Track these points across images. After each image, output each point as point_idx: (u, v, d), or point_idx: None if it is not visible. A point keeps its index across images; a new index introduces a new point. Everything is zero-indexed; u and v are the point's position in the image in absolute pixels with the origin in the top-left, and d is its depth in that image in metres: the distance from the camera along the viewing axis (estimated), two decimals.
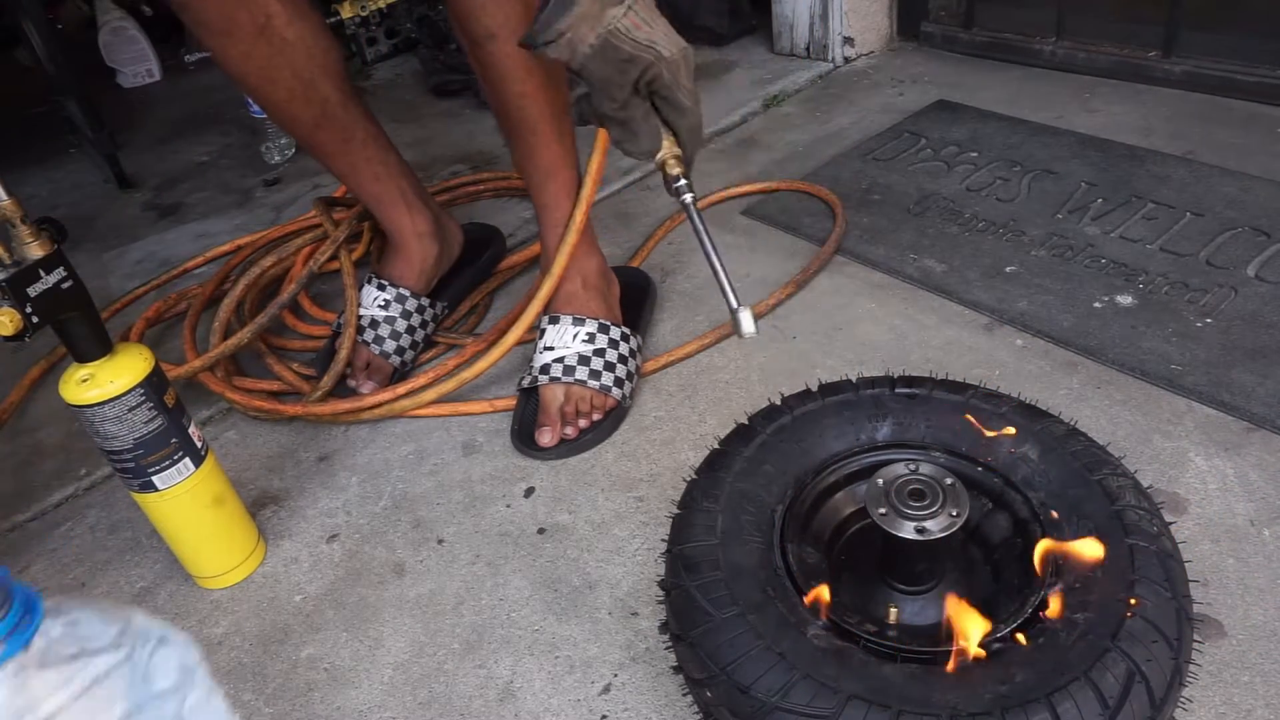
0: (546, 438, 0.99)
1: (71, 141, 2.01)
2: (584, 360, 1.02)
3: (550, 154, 1.01)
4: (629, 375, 1.05)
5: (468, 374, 1.06)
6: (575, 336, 1.03)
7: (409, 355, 1.15)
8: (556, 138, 1.00)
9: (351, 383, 1.11)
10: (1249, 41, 1.46)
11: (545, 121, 0.98)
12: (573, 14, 0.70)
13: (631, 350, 1.06)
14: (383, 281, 1.16)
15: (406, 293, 1.15)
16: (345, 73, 1.06)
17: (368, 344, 1.13)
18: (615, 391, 1.02)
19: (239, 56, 0.98)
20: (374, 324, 1.13)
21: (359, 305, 1.14)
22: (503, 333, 1.08)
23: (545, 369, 1.02)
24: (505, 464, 1.00)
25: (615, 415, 1.02)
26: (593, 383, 1.01)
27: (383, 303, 1.14)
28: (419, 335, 1.16)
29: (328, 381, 1.08)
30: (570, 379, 1.01)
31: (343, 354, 1.10)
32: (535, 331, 1.08)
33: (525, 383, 1.04)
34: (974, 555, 0.74)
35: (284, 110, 1.04)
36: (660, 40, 0.74)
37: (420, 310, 1.16)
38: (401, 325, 1.14)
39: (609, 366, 1.03)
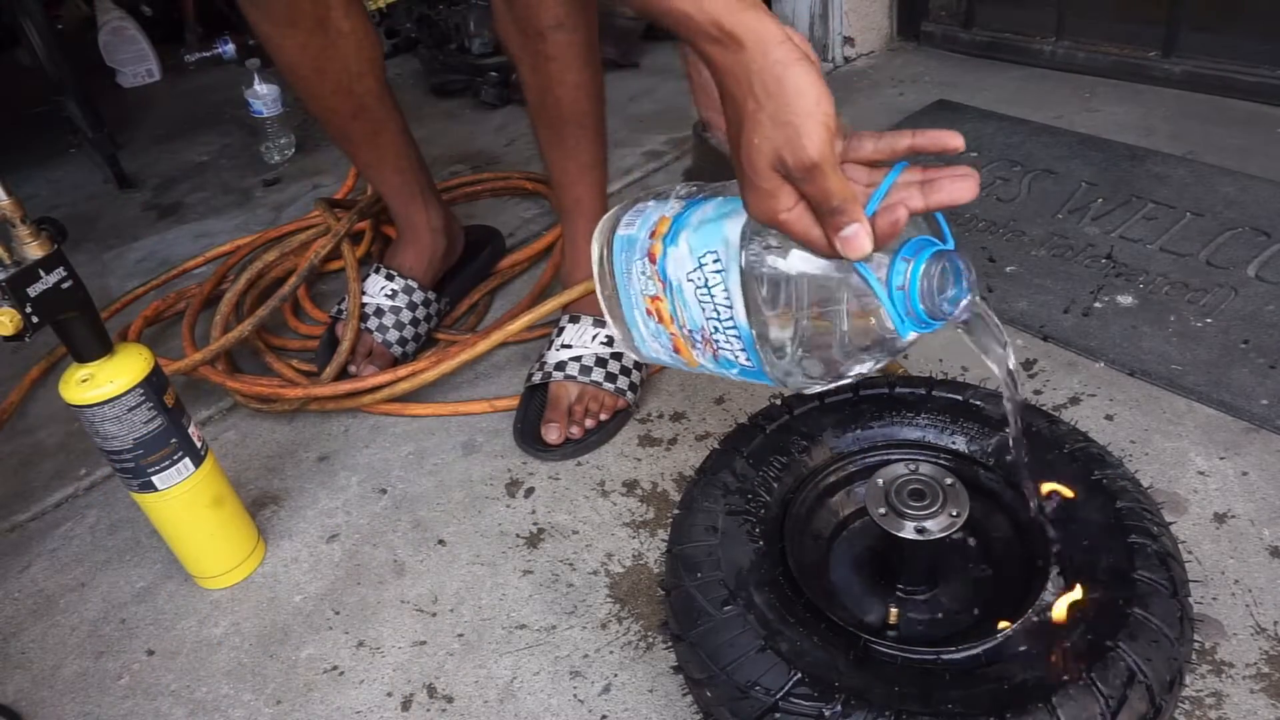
0: (553, 434, 0.99)
1: (71, 141, 2.01)
2: (601, 362, 1.02)
3: (594, 147, 1.01)
4: (641, 381, 1.05)
5: (480, 346, 1.06)
6: (595, 338, 1.04)
7: (411, 347, 1.16)
8: (600, 129, 1.02)
9: (353, 368, 1.12)
10: (1249, 41, 1.46)
11: (594, 114, 0.99)
12: None
13: None
14: (391, 271, 1.16)
15: (414, 284, 1.16)
16: (384, 66, 1.08)
17: (371, 331, 1.13)
18: (629, 395, 1.02)
19: (296, 47, 0.99)
20: (379, 312, 1.14)
21: (364, 294, 1.15)
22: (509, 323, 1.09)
23: (560, 365, 1.02)
24: (505, 464, 1.00)
25: (621, 417, 1.02)
26: (609, 385, 1.01)
27: (390, 292, 1.15)
28: (422, 328, 1.17)
29: (330, 372, 1.08)
30: (586, 379, 1.01)
31: (345, 344, 1.10)
32: (548, 327, 1.09)
33: (536, 379, 1.04)
34: (975, 555, 0.74)
35: (326, 101, 1.05)
36: None
37: (426, 303, 1.17)
38: (406, 316, 1.15)
39: (625, 370, 1.03)
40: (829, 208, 0.48)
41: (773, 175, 0.49)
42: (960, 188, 0.50)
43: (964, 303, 0.51)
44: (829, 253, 0.50)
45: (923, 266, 0.50)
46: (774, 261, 0.54)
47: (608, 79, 1.00)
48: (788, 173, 0.49)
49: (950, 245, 0.52)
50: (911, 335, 0.53)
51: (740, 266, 0.55)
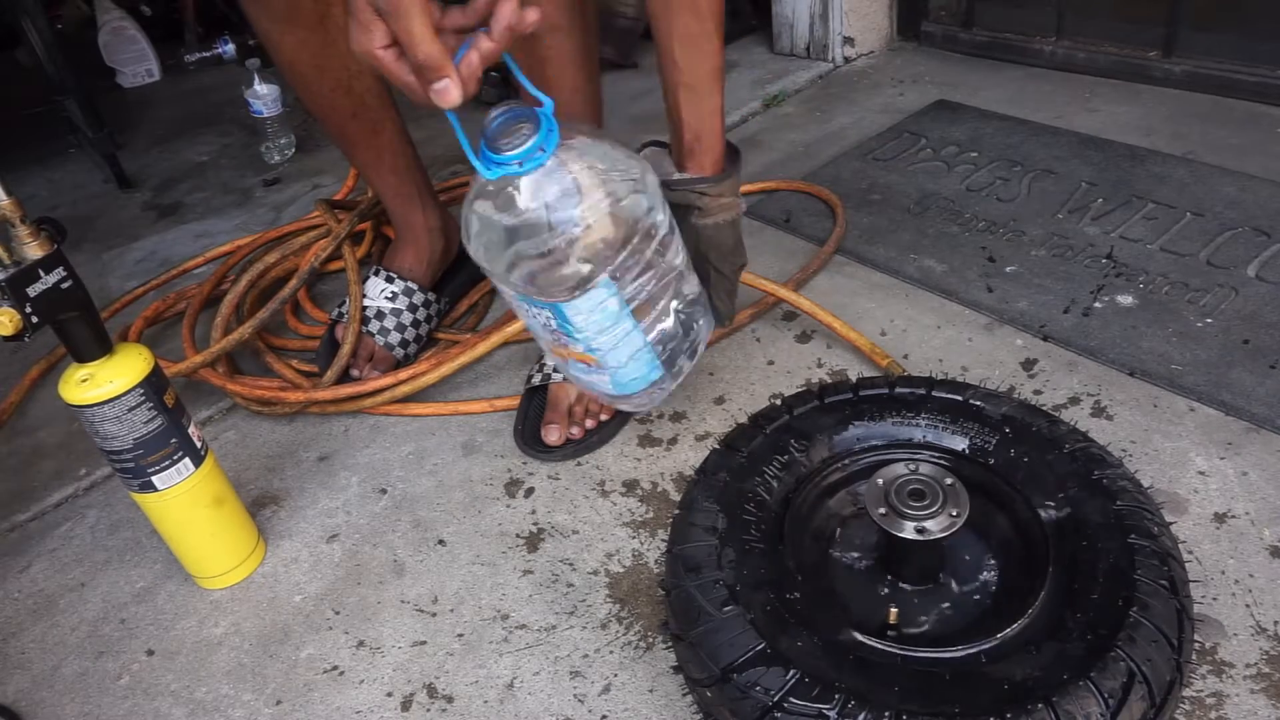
0: (554, 435, 0.99)
1: (71, 141, 2.01)
2: None
3: None
4: None
5: (480, 348, 1.06)
6: None
7: (412, 349, 1.15)
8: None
9: (355, 372, 1.12)
10: (1249, 41, 1.46)
11: (590, 118, 1.00)
12: (727, 184, 0.83)
13: None
14: (390, 274, 1.16)
15: (414, 286, 1.16)
16: None
17: (372, 335, 1.13)
18: None
19: (295, 44, 0.99)
20: (379, 315, 1.14)
21: (364, 296, 1.14)
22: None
23: (559, 367, 1.02)
24: (505, 464, 1.00)
25: (621, 418, 1.02)
26: None
27: (390, 294, 1.15)
28: (423, 329, 1.17)
29: (331, 375, 1.08)
30: None
31: (346, 347, 1.10)
32: None
33: (536, 380, 1.04)
34: (975, 555, 0.74)
35: (325, 100, 1.05)
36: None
37: (426, 304, 1.17)
38: (407, 318, 1.15)
39: None
40: (416, 61, 0.57)
41: (366, 7, 0.57)
42: (509, 10, 0.59)
43: (524, 146, 0.62)
44: (425, 101, 0.59)
45: (495, 113, 0.63)
46: (477, 209, 0.67)
47: (607, 79, 1.01)
48: (379, 8, 0.57)
49: (546, 107, 0.64)
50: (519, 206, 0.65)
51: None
